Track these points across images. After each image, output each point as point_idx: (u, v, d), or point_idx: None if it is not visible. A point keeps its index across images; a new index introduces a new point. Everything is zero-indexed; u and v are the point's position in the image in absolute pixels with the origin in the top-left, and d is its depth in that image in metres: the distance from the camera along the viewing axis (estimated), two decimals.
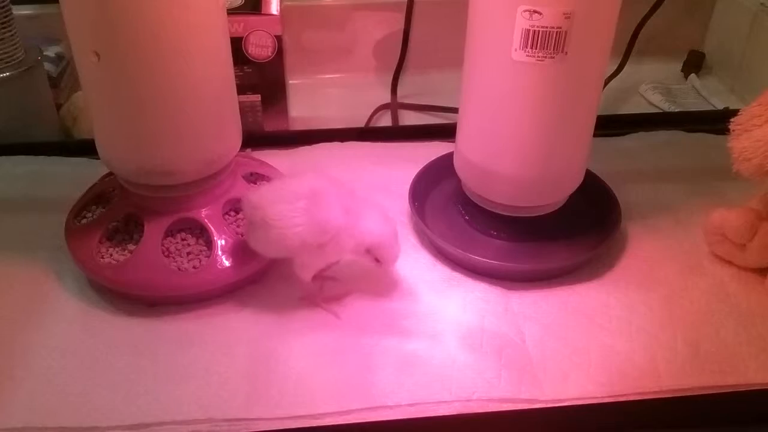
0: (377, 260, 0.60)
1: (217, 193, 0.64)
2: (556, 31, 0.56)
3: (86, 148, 0.82)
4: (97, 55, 0.53)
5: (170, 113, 0.57)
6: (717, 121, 0.91)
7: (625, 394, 0.55)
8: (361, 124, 0.95)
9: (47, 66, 0.89)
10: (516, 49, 0.58)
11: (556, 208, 0.69)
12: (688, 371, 0.57)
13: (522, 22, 0.57)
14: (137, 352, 0.58)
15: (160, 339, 0.59)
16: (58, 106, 0.91)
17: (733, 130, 0.64)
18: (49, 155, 0.82)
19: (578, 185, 0.67)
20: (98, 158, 0.79)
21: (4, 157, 0.81)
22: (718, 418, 0.55)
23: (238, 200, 0.66)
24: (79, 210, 0.67)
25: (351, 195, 0.60)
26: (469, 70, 0.63)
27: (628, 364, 0.58)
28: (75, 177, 0.77)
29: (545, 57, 0.58)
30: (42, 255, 0.67)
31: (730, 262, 0.68)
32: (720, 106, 1.01)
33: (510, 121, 0.62)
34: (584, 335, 0.60)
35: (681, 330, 0.61)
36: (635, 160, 0.83)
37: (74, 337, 0.59)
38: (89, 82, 0.58)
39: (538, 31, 0.57)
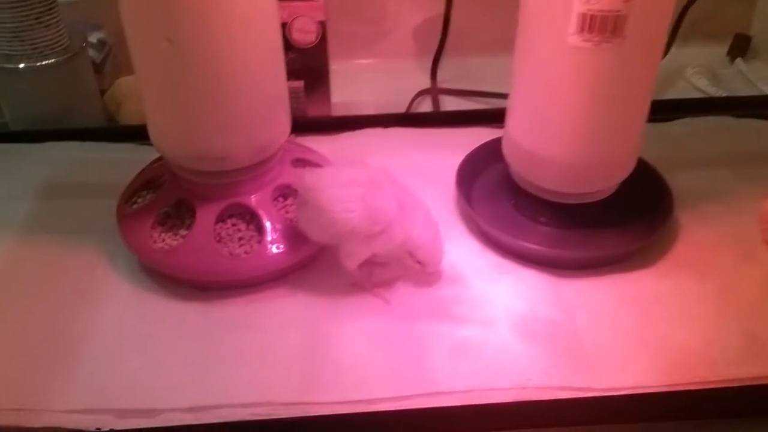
0: (419, 263, 0.60)
1: (267, 179, 0.64)
2: (615, 15, 0.55)
3: (131, 134, 0.83)
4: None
5: (227, 100, 0.57)
6: (765, 106, 0.90)
7: (681, 384, 0.55)
8: (402, 109, 0.94)
9: (90, 52, 0.90)
10: (572, 34, 0.57)
11: (607, 194, 0.68)
12: (744, 361, 0.56)
13: (578, 6, 0.56)
14: (191, 335, 0.59)
15: (213, 323, 0.60)
16: (102, 92, 0.91)
17: None
18: (95, 141, 0.82)
19: (630, 172, 0.66)
20: (144, 143, 0.81)
21: (50, 143, 0.82)
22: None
23: (287, 186, 0.66)
24: (129, 195, 0.67)
25: (405, 191, 0.60)
26: (522, 55, 0.63)
27: (684, 354, 0.57)
28: (122, 162, 0.77)
29: (602, 41, 0.56)
30: (93, 239, 0.68)
31: None
32: (767, 90, 0.99)
33: (564, 107, 0.61)
34: (639, 324, 0.60)
35: (736, 319, 0.60)
36: (684, 146, 0.81)
37: (129, 320, 0.60)
38: (149, 68, 0.58)
39: (596, 15, 0.56)
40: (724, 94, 0.98)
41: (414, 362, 0.56)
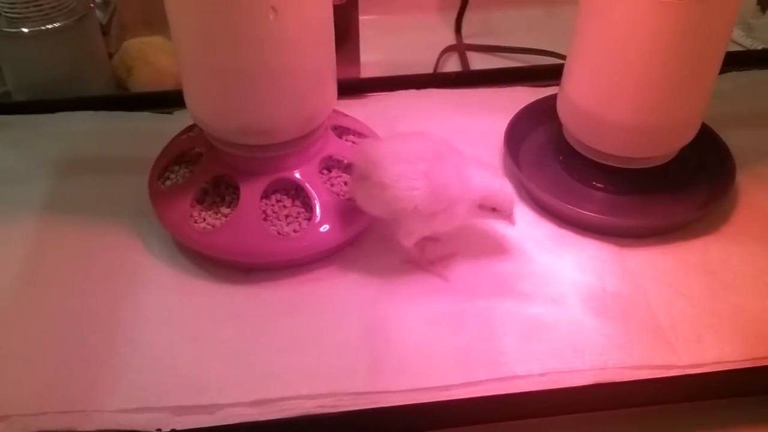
0: (494, 210, 0.56)
1: (312, 151, 0.60)
2: None
3: (148, 101, 0.78)
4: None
5: (277, 68, 0.52)
6: None
7: (764, 357, 0.52)
8: (429, 66, 0.89)
9: (96, 13, 0.83)
10: None
11: (668, 159, 0.64)
12: None
13: None
14: (242, 321, 0.55)
15: (264, 307, 0.56)
16: (109, 56, 0.85)
17: None
18: (109, 110, 0.76)
19: (695, 134, 0.63)
20: (162, 111, 0.76)
21: (61, 114, 0.76)
22: None
23: (331, 157, 0.62)
24: (161, 171, 0.62)
25: (465, 160, 0.56)
26: (591, 11, 0.58)
27: (762, 324, 0.55)
28: (142, 133, 0.72)
29: None
30: (123, 220, 0.63)
31: None
32: None
33: (637, 66, 0.57)
34: (711, 294, 0.57)
35: None
36: (731, 103, 0.78)
37: (172, 307, 0.56)
38: (192, 36, 0.52)
39: None
40: (760, 46, 0.94)
41: (483, 344, 0.53)
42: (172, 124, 0.70)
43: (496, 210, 0.56)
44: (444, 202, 0.54)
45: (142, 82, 0.83)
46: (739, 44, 0.96)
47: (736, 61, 0.85)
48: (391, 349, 0.53)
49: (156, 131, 0.69)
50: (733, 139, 0.70)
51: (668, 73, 0.56)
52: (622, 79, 0.58)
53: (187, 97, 0.57)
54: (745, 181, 0.67)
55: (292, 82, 0.54)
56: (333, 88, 0.59)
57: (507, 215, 0.57)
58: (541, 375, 0.51)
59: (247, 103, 0.53)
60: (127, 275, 0.58)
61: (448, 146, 0.55)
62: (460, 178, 0.54)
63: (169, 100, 0.76)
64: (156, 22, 0.88)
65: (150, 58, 0.82)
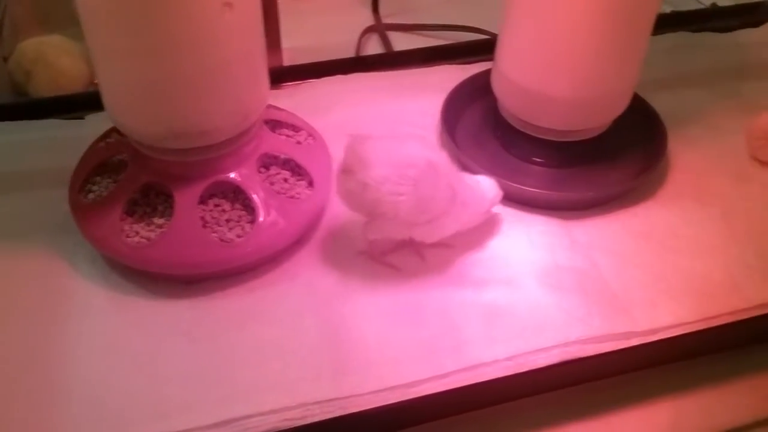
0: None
1: (248, 150, 0.56)
2: None
3: (53, 107, 0.72)
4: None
5: (210, 65, 0.48)
6: (716, 18, 0.90)
7: (716, 315, 0.54)
8: (350, 49, 0.87)
9: None
10: None
11: (603, 129, 0.65)
12: None
13: None
14: (191, 338, 0.51)
15: (214, 320, 0.53)
16: (3, 60, 0.78)
17: None
18: (10, 120, 0.70)
19: (628, 104, 0.63)
20: (72, 117, 0.70)
21: None
22: None
23: (267, 155, 0.58)
24: (81, 183, 0.57)
25: (461, 178, 0.54)
26: None
27: (709, 283, 0.56)
28: (52, 143, 0.67)
29: None
30: (44, 241, 0.58)
31: None
32: (706, 2, 0.98)
33: (566, 39, 0.56)
34: (658, 258, 0.58)
35: (749, 243, 0.60)
36: (650, 67, 0.78)
37: (112, 331, 0.52)
38: (112, 38, 0.48)
39: None
40: (669, 10, 0.97)
41: (445, 335, 0.52)
42: (86, 130, 0.64)
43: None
44: (427, 215, 0.52)
45: (44, 86, 0.76)
46: None
47: None
48: (353, 349, 0.51)
49: (69, 140, 0.64)
50: (656, 103, 0.72)
51: (602, 44, 0.56)
52: (556, 53, 0.57)
53: (107, 101, 0.52)
54: (674, 144, 0.68)
55: (227, 78, 0.50)
56: (266, 80, 0.56)
57: (499, 194, 0.58)
58: (507, 359, 0.50)
59: (178, 105, 0.50)
60: (57, 303, 0.53)
61: (444, 156, 0.54)
62: (451, 192, 0.52)
63: (79, 104, 0.71)
64: (52, 20, 0.81)
65: (50, 60, 0.76)
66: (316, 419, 0.47)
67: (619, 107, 0.63)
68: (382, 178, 0.50)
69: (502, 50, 0.62)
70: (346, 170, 0.51)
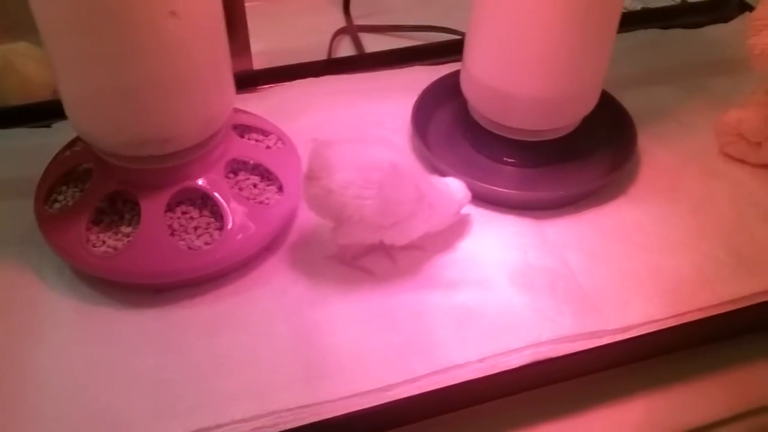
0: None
1: (215, 155, 0.56)
2: None
3: (19, 115, 0.71)
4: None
5: (172, 71, 0.48)
6: (687, 14, 0.91)
7: (686, 311, 0.54)
8: (322, 51, 0.86)
9: None
10: None
11: (573, 128, 0.65)
12: (738, 280, 0.56)
13: None
14: (161, 348, 0.51)
15: (183, 330, 0.52)
16: None
17: (754, 26, 0.61)
18: None
19: (597, 101, 0.64)
20: (39, 126, 0.69)
21: None
22: None
23: (236, 160, 0.58)
24: (47, 193, 0.56)
25: (428, 180, 0.54)
26: None
27: (679, 280, 0.57)
28: (18, 152, 0.66)
29: None
30: (9, 252, 0.57)
31: (742, 161, 0.67)
32: None
33: (533, 38, 0.56)
34: (628, 256, 0.58)
35: (718, 238, 0.60)
36: (620, 64, 0.79)
37: (80, 343, 0.51)
38: (73, 44, 0.47)
39: None
40: (639, 6, 0.97)
41: (418, 338, 0.52)
42: (53, 138, 0.64)
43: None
44: (394, 218, 0.51)
45: (12, 93, 0.75)
46: (623, 7, 0.98)
47: (620, 23, 0.87)
48: (325, 355, 0.50)
49: (35, 148, 0.63)
50: (626, 100, 0.72)
51: (569, 42, 0.56)
52: (524, 52, 0.57)
53: (68, 110, 0.52)
54: (644, 141, 0.69)
55: (191, 84, 0.50)
56: (231, 84, 0.55)
57: (467, 196, 0.57)
58: (479, 361, 0.50)
59: (142, 113, 0.49)
60: (23, 315, 0.53)
61: (409, 159, 0.53)
62: (418, 194, 0.52)
63: (45, 112, 0.70)
64: (18, 27, 0.80)
65: (17, 67, 0.75)
66: (289, 426, 0.47)
67: (587, 106, 0.63)
68: (347, 182, 0.50)
69: (470, 51, 0.62)
70: (311, 176, 0.51)
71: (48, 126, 0.69)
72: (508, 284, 0.55)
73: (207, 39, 0.50)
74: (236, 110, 0.65)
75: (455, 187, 0.57)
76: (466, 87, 0.64)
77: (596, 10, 0.55)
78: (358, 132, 0.69)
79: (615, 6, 0.57)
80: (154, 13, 0.44)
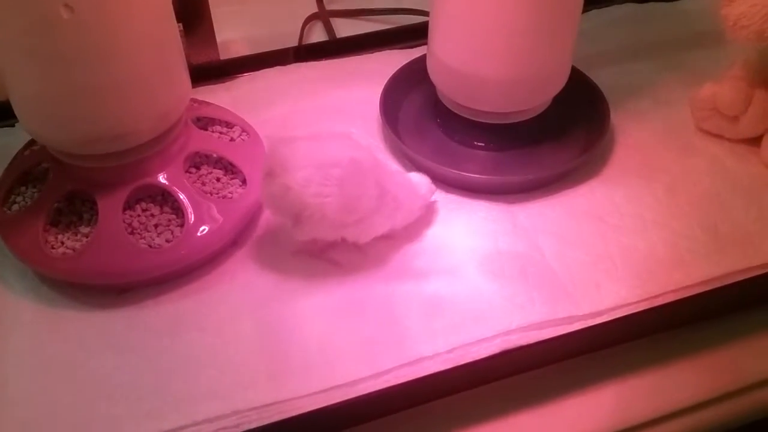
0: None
1: (173, 150, 0.54)
2: None
3: None
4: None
5: (121, 64, 0.46)
6: None
7: (660, 293, 0.53)
8: (293, 39, 0.85)
9: None
10: None
11: (543, 109, 0.63)
12: (714, 259, 0.55)
13: None
14: (124, 349, 0.50)
15: (146, 330, 0.51)
16: None
17: None
18: None
19: (566, 80, 0.62)
20: (3, 125, 0.68)
21: None
22: (753, 301, 0.54)
23: (198, 154, 0.57)
24: (5, 195, 0.55)
25: (390, 173, 0.53)
26: None
27: (653, 261, 0.55)
28: None
29: None
30: None
31: (719, 136, 0.66)
32: None
33: (498, 17, 0.55)
34: (601, 239, 0.57)
35: (694, 216, 0.59)
36: (596, 41, 0.78)
37: (41, 346, 0.50)
38: (16, 39, 0.45)
39: None
40: None
41: (386, 330, 0.51)
42: (17, 138, 0.62)
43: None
44: (356, 214, 0.50)
45: None
46: None
47: None
48: (291, 351, 0.50)
49: None
50: (602, 78, 0.70)
51: (534, 20, 0.55)
52: (489, 32, 0.56)
53: (17, 109, 0.50)
54: (618, 119, 0.68)
55: (141, 77, 0.48)
56: (185, 77, 0.54)
57: (432, 190, 0.56)
58: (448, 352, 0.49)
59: (89, 111, 0.48)
60: None
61: (370, 154, 0.52)
62: (379, 189, 0.51)
63: (9, 111, 0.68)
64: None
65: None
66: (253, 425, 0.46)
67: (556, 85, 0.61)
68: (305, 180, 0.48)
69: (433, 33, 0.60)
70: (268, 174, 0.50)
71: (12, 125, 0.68)
72: (478, 272, 0.54)
73: (150, 36, 0.48)
74: (199, 102, 0.63)
75: (418, 181, 0.55)
76: (433, 71, 0.62)
77: None
78: (327, 120, 0.68)
79: None
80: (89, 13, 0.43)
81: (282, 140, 0.50)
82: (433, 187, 0.56)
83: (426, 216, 0.58)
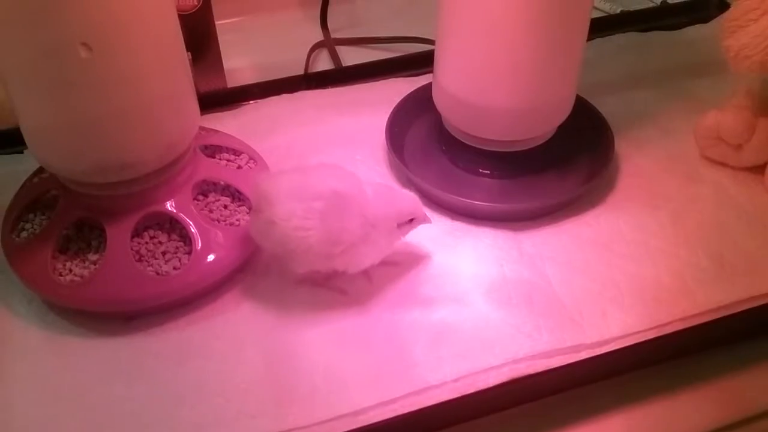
0: (412, 220, 0.54)
1: (181, 178, 0.55)
2: None
3: None
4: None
5: (130, 95, 0.47)
6: (665, 17, 0.90)
7: (667, 322, 0.53)
8: (299, 66, 0.85)
9: None
10: None
11: (548, 137, 0.64)
12: (720, 287, 0.55)
13: None
14: (131, 376, 0.50)
15: (153, 357, 0.51)
16: None
17: (728, 27, 0.60)
18: None
19: (571, 109, 0.63)
20: (10, 152, 0.68)
21: None
22: (760, 329, 0.54)
23: (205, 181, 0.57)
24: (14, 222, 0.55)
25: (365, 196, 0.52)
26: None
27: (660, 289, 0.55)
28: None
29: None
30: None
31: (723, 164, 0.66)
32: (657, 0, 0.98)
33: (502, 47, 0.55)
34: (607, 267, 0.57)
35: (700, 244, 0.59)
36: (599, 69, 0.79)
37: (49, 374, 0.50)
38: (29, 72, 0.46)
39: None
40: (619, 10, 0.96)
41: (393, 359, 0.51)
42: (25, 165, 0.63)
43: (414, 219, 0.54)
44: (341, 246, 0.50)
45: None
46: (600, 10, 0.98)
47: (598, 27, 0.86)
48: (297, 379, 0.49)
49: (6, 175, 0.63)
50: (606, 106, 0.71)
51: (539, 50, 0.55)
52: (494, 62, 0.56)
53: (27, 137, 0.51)
54: (623, 148, 0.68)
55: (150, 108, 0.49)
56: (194, 107, 0.55)
57: (422, 217, 0.55)
58: (455, 380, 0.49)
59: (98, 140, 0.48)
60: None
61: (353, 180, 0.52)
62: (363, 219, 0.51)
63: (18, 138, 0.68)
64: None
65: None
66: None
67: (561, 114, 0.62)
68: (287, 214, 0.49)
69: (439, 62, 0.61)
70: (255, 209, 0.51)
71: (20, 152, 0.69)
72: (485, 299, 0.54)
73: (162, 68, 0.49)
74: (207, 130, 0.64)
75: (403, 197, 0.55)
76: (438, 99, 0.63)
77: (562, 19, 0.54)
78: (333, 147, 0.68)
79: (582, 13, 0.56)
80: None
81: (267, 175, 0.51)
82: (419, 205, 0.54)
83: (433, 242, 0.59)
